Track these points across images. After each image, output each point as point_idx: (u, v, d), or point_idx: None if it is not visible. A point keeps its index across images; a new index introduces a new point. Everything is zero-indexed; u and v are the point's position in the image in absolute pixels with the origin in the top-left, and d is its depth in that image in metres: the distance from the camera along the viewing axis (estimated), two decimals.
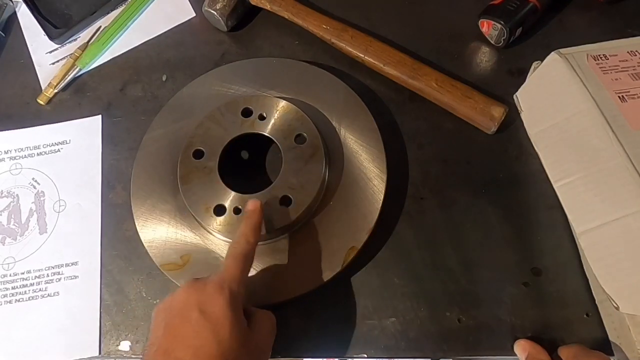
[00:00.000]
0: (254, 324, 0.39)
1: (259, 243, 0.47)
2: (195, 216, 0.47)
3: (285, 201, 0.46)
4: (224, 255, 0.47)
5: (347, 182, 0.49)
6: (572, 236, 0.47)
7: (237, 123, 0.50)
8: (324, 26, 0.57)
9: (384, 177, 0.49)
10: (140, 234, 0.50)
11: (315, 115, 0.51)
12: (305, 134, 0.49)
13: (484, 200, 0.50)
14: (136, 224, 0.50)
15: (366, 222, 0.47)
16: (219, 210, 0.47)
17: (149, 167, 0.53)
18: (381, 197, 0.48)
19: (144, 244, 0.49)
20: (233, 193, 0.47)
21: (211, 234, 0.48)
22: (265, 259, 0.47)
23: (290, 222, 0.46)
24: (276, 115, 0.50)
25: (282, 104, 0.50)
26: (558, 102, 0.47)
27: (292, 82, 0.54)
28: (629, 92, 0.44)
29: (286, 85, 0.54)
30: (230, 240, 0.47)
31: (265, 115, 0.50)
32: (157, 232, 0.49)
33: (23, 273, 0.52)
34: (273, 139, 0.49)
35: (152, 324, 0.38)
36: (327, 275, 0.46)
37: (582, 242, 0.44)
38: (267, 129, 0.49)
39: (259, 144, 0.52)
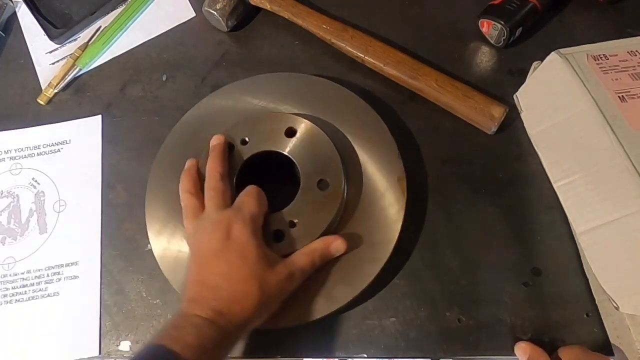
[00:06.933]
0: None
1: None
2: None
3: (278, 236, 0.45)
4: None
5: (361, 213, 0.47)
6: (572, 236, 0.47)
7: (262, 140, 0.48)
8: (324, 26, 0.57)
9: (402, 209, 0.47)
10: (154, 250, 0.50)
11: (344, 146, 0.49)
12: (328, 180, 0.46)
13: (484, 200, 0.50)
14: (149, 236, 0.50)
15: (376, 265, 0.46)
16: None
17: (163, 177, 0.51)
18: (399, 227, 0.47)
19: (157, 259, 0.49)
20: None
21: None
22: None
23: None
24: (304, 138, 0.48)
25: (315, 130, 0.48)
26: (558, 102, 0.47)
27: (313, 100, 0.52)
28: (629, 92, 0.44)
29: (306, 102, 0.52)
30: None
31: (294, 132, 0.48)
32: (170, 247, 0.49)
33: (23, 273, 0.52)
34: (297, 170, 0.47)
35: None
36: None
37: (582, 242, 0.44)
38: (290, 151, 0.48)
39: (279, 162, 0.49)
